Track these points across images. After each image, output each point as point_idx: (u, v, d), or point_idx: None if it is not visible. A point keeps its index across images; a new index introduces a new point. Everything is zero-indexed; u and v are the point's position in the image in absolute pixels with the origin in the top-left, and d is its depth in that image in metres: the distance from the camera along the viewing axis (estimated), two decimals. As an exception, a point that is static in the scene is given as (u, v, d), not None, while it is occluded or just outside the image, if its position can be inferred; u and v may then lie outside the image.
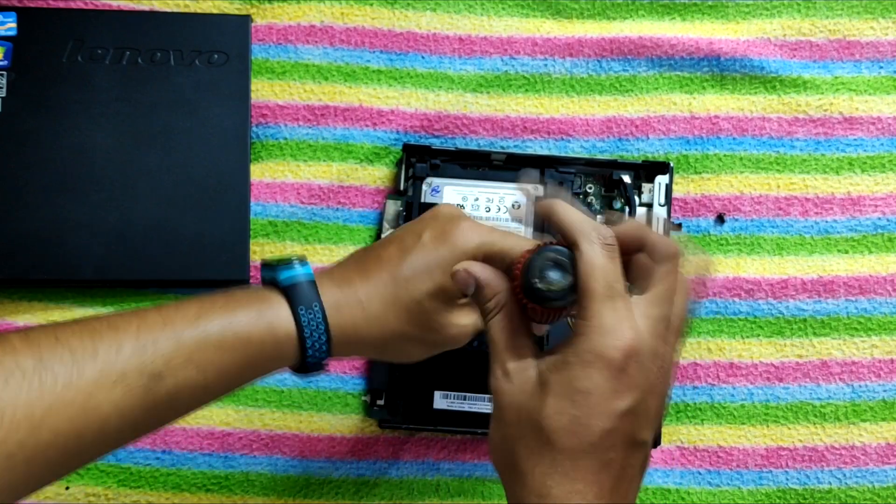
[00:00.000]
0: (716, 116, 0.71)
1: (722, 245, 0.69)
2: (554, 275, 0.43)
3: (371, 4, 0.72)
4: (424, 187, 0.67)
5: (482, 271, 0.46)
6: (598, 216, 0.67)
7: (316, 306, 0.46)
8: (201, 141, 0.68)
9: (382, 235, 0.67)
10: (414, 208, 0.67)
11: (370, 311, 0.48)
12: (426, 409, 0.65)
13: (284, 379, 0.67)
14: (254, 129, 0.70)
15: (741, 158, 0.71)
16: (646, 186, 0.68)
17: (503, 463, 0.43)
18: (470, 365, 0.65)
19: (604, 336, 0.40)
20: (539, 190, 0.67)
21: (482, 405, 0.65)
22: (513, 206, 0.67)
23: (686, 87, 0.71)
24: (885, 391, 0.68)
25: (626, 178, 0.67)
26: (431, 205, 0.66)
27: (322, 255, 0.69)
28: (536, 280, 0.43)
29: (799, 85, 0.72)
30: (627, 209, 0.67)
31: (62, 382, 0.40)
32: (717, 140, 0.71)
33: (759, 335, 0.68)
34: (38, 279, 0.66)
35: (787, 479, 0.67)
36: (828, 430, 0.67)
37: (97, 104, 0.68)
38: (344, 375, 0.67)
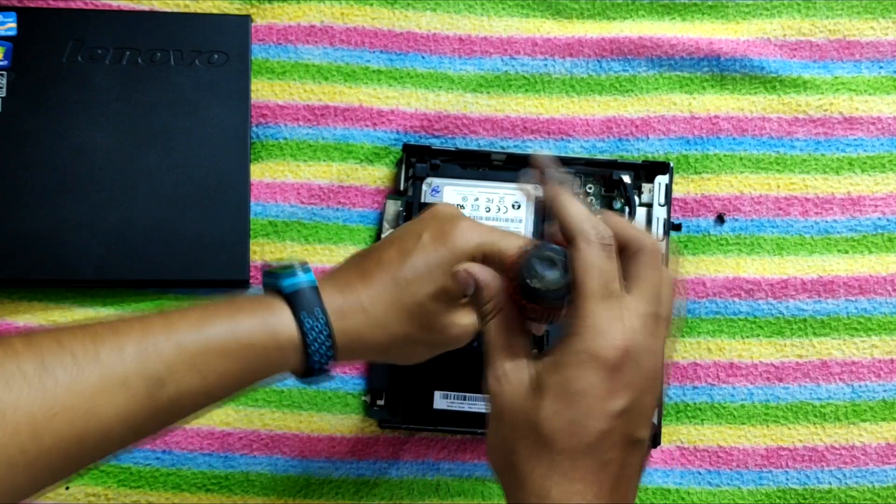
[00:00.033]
0: (716, 116, 0.71)
1: (722, 245, 0.69)
2: (549, 273, 0.43)
3: (371, 4, 0.72)
4: (424, 187, 0.67)
5: (482, 272, 0.46)
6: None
7: (319, 312, 0.46)
8: (201, 141, 0.68)
9: (382, 236, 0.67)
10: (414, 208, 0.67)
11: (373, 315, 0.48)
12: (426, 409, 0.65)
13: (284, 379, 0.67)
14: (254, 129, 0.70)
15: (741, 158, 0.71)
16: (646, 186, 0.68)
17: (501, 465, 0.43)
18: (470, 365, 0.64)
19: (598, 336, 0.40)
20: (539, 190, 0.67)
21: (482, 405, 0.65)
22: (513, 206, 0.67)
23: (686, 87, 0.71)
24: (885, 391, 0.68)
25: (626, 179, 0.67)
26: (431, 205, 0.66)
27: (322, 256, 0.69)
28: (532, 278, 0.43)
29: (799, 85, 0.72)
30: (627, 209, 0.67)
31: (64, 387, 0.40)
32: (717, 140, 0.71)
33: (759, 335, 0.68)
34: (38, 279, 0.66)
35: (787, 479, 0.67)
36: (828, 430, 0.67)
37: (97, 104, 0.68)
38: (344, 375, 0.67)
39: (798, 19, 0.73)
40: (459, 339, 0.50)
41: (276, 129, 0.70)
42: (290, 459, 0.66)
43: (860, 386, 0.68)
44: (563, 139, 0.71)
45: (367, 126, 0.70)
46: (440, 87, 0.71)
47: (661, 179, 0.68)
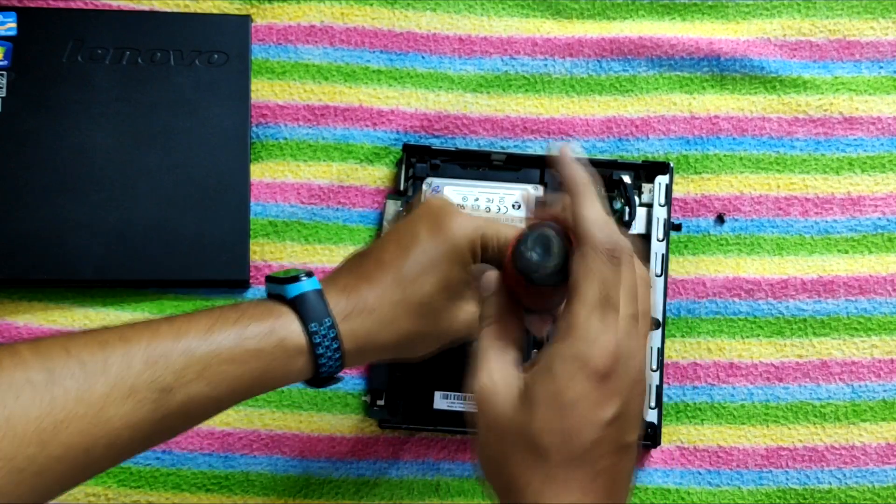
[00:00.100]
0: (716, 116, 0.71)
1: (722, 245, 0.69)
2: (546, 248, 0.43)
3: (371, 4, 0.72)
4: (424, 187, 0.67)
5: (494, 283, 0.46)
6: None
7: (327, 320, 0.46)
8: (201, 141, 0.68)
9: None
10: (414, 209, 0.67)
11: (380, 315, 0.48)
12: (426, 409, 0.65)
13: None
14: (254, 129, 0.70)
15: (741, 158, 0.71)
16: (646, 186, 0.68)
17: (495, 478, 0.42)
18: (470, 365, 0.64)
19: (589, 345, 0.40)
20: (539, 190, 0.67)
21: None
22: (513, 206, 0.67)
23: (686, 87, 0.71)
24: (885, 391, 0.68)
25: (626, 179, 0.67)
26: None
27: (322, 256, 0.69)
28: (529, 251, 0.43)
29: (799, 85, 0.72)
30: (628, 209, 0.67)
31: (73, 396, 0.40)
32: (717, 140, 0.71)
33: (759, 335, 0.68)
34: (38, 279, 0.66)
35: (787, 479, 0.67)
36: (828, 430, 0.67)
37: (97, 104, 0.68)
38: (344, 375, 0.67)
39: (798, 19, 0.73)
40: (469, 325, 0.50)
41: (276, 129, 0.70)
42: (290, 459, 0.66)
43: (860, 386, 0.68)
44: (563, 139, 0.71)
45: (367, 126, 0.70)
46: (440, 87, 0.71)
47: (662, 179, 0.68)
